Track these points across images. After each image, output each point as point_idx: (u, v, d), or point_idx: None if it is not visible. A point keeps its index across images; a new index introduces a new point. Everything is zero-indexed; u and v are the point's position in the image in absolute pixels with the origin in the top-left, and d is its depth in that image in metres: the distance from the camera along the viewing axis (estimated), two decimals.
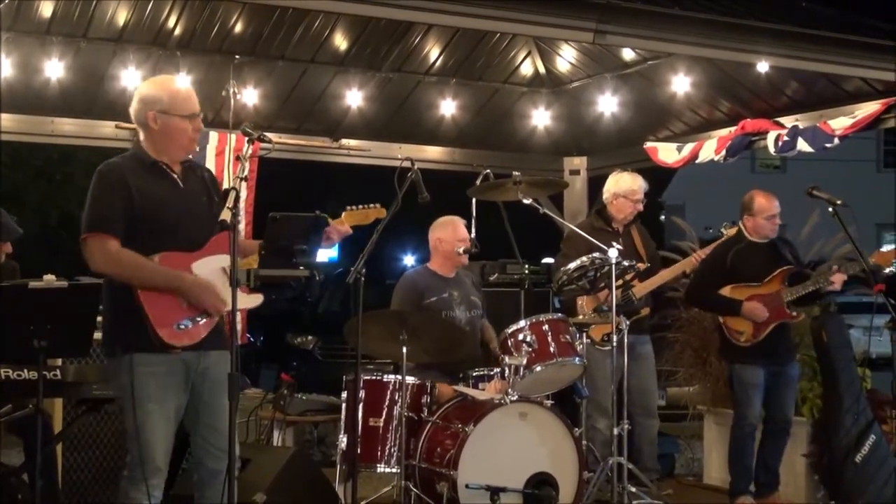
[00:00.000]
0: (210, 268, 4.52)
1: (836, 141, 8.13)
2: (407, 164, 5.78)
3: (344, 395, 6.13)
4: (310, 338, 11.04)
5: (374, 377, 6.07)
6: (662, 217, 27.58)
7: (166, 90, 4.63)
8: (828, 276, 7.00)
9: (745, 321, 7.06)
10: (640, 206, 7.42)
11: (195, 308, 4.46)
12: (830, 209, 6.04)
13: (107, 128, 8.95)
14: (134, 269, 4.41)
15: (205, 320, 4.49)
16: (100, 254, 4.42)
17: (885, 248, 6.78)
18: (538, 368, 6.10)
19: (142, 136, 4.65)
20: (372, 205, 5.28)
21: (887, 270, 6.91)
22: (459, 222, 6.82)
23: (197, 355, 4.50)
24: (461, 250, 6.70)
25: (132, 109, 4.67)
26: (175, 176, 4.63)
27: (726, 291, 7.13)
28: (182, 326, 4.39)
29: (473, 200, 7.29)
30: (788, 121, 8.61)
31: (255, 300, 4.66)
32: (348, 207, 5.17)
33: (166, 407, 4.42)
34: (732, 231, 7.28)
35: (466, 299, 6.76)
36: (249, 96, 8.86)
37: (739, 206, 7.26)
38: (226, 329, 4.59)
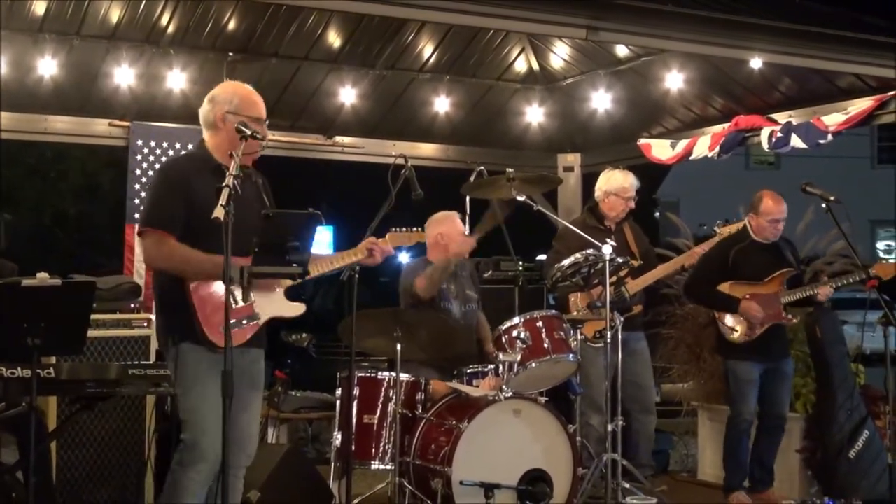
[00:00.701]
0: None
1: (830, 137, 8.16)
2: (401, 161, 5.79)
3: (338, 392, 6.14)
4: (304, 335, 11.06)
5: (368, 374, 6.08)
6: (657, 214, 27.58)
7: (237, 93, 4.79)
8: (815, 286, 7.07)
9: (740, 319, 7.09)
10: (632, 204, 7.43)
11: (245, 309, 4.59)
12: (824, 205, 6.07)
13: (100, 125, 8.96)
14: (186, 262, 4.55)
15: (252, 323, 4.63)
16: (156, 250, 4.59)
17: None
18: (532, 365, 6.12)
19: (207, 137, 4.79)
20: (415, 228, 5.49)
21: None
22: (457, 217, 6.87)
23: (240, 351, 4.59)
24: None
25: (202, 110, 4.81)
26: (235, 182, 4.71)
27: (725, 288, 7.15)
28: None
29: (468, 197, 7.30)
30: (782, 117, 8.63)
31: (297, 309, 4.80)
32: (393, 229, 5.38)
33: (215, 395, 4.38)
34: (725, 230, 7.30)
35: (462, 293, 6.78)
36: None
37: (749, 202, 7.28)
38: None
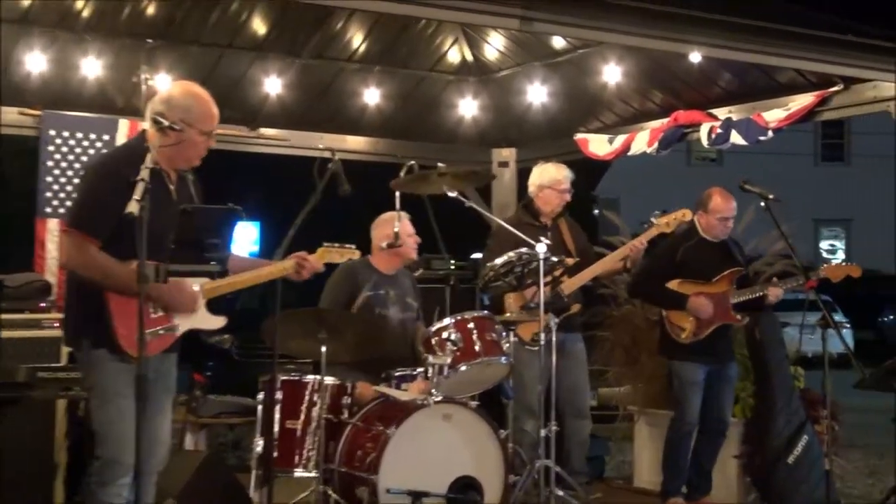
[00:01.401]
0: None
1: (770, 133, 8.27)
2: (328, 154, 5.77)
3: (260, 396, 6.10)
4: (226, 336, 10.93)
5: (291, 377, 6.05)
6: (596, 211, 27.79)
7: (198, 104, 4.79)
8: (766, 287, 7.17)
9: (687, 317, 7.17)
10: (567, 197, 7.47)
11: (162, 319, 4.57)
12: (763, 203, 6.15)
13: (10, 114, 8.82)
14: (104, 274, 4.51)
15: (169, 333, 4.64)
16: (76, 253, 4.53)
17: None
18: (463, 368, 6.12)
19: (150, 135, 4.71)
20: (349, 245, 5.57)
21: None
22: (406, 217, 6.89)
23: (159, 358, 4.60)
24: (384, 245, 6.71)
25: (153, 106, 4.75)
26: (171, 186, 4.75)
27: (673, 286, 7.25)
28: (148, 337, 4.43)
29: (397, 193, 7.29)
30: (722, 112, 8.74)
31: (218, 322, 4.84)
32: (325, 244, 5.42)
33: (133, 410, 4.39)
34: (662, 220, 7.34)
35: (401, 300, 6.79)
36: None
37: (696, 199, 7.37)
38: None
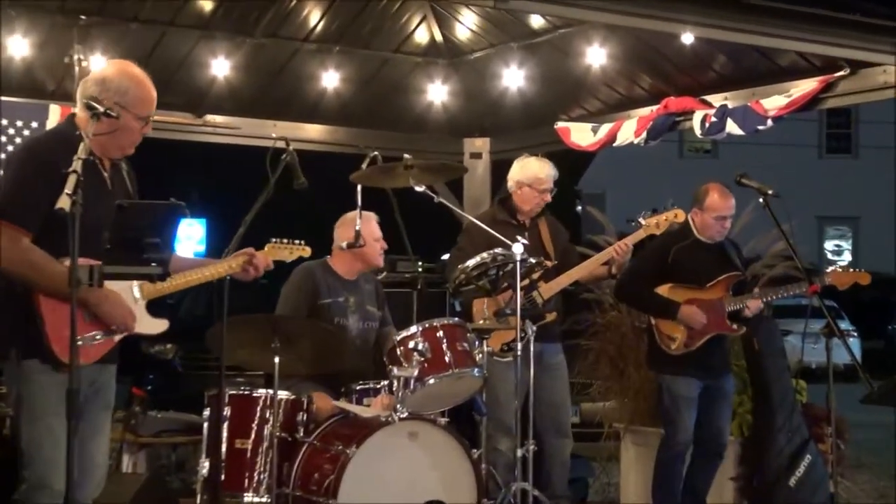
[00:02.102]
0: (120, 286, 4.66)
1: (770, 123, 8.31)
2: (281, 144, 5.76)
3: (206, 412, 6.09)
4: (169, 346, 10.94)
5: (241, 391, 6.04)
6: (579, 208, 27.87)
7: (135, 87, 4.79)
8: (747, 299, 7.20)
9: (679, 326, 7.19)
10: (548, 197, 7.48)
11: (98, 324, 4.55)
12: (761, 199, 6.17)
13: None
14: (40, 272, 4.49)
15: (105, 339, 4.61)
16: (9, 245, 4.49)
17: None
18: (431, 381, 6.12)
19: (81, 120, 4.70)
20: (298, 242, 5.56)
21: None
22: (374, 218, 6.89)
23: (96, 368, 4.60)
24: (344, 245, 6.70)
25: (86, 89, 4.74)
26: (105, 175, 4.74)
27: (664, 291, 7.27)
28: (79, 343, 4.39)
29: (359, 187, 7.28)
30: (716, 99, 8.78)
31: (160, 326, 4.82)
32: (273, 240, 5.42)
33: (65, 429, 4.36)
34: (652, 221, 7.37)
35: (361, 308, 6.79)
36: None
37: (693, 195, 7.40)
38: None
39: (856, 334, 22.21)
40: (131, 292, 4.77)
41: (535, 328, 6.65)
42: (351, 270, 6.85)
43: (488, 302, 7.05)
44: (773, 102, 8.30)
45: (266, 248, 5.39)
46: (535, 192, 7.46)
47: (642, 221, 7.37)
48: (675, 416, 7.27)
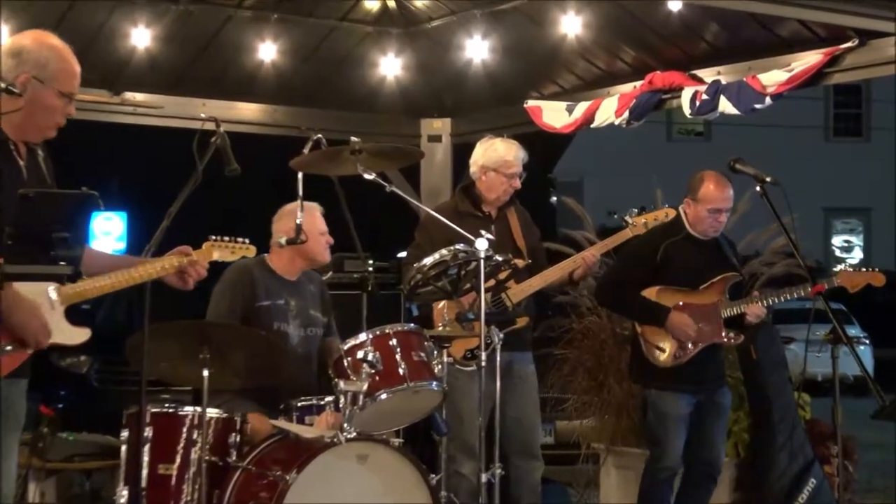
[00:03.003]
0: (35, 289, 4.62)
1: (769, 101, 8.34)
2: (211, 125, 5.74)
3: (125, 433, 6.07)
4: (83, 358, 10.87)
5: (164, 409, 6.02)
6: (553, 199, 27.94)
7: (57, 59, 4.79)
8: (746, 303, 7.22)
9: (668, 335, 7.21)
10: (517, 183, 7.50)
11: (7, 332, 4.53)
12: (758, 188, 6.19)
13: None
14: None
15: (16, 351, 4.59)
16: None
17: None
18: (383, 396, 6.12)
19: None
20: (242, 240, 5.56)
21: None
22: (319, 210, 6.88)
23: (7, 383, 4.58)
24: (283, 241, 6.68)
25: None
26: (21, 162, 4.71)
27: (651, 294, 7.27)
28: None
29: (300, 175, 7.27)
30: (708, 74, 8.81)
31: (80, 335, 4.80)
32: (212, 238, 5.40)
33: None
34: (640, 221, 7.40)
35: (304, 313, 6.78)
36: None
37: (686, 184, 7.41)
38: None
39: (867, 341, 22.37)
40: (47, 296, 4.72)
41: (502, 335, 6.65)
42: (292, 269, 6.84)
43: (449, 305, 7.07)
44: (773, 78, 8.33)
45: (204, 248, 5.36)
46: (502, 178, 7.46)
47: (629, 221, 7.41)
48: (662, 435, 7.29)
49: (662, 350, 7.23)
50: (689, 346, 7.18)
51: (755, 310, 7.23)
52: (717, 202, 7.28)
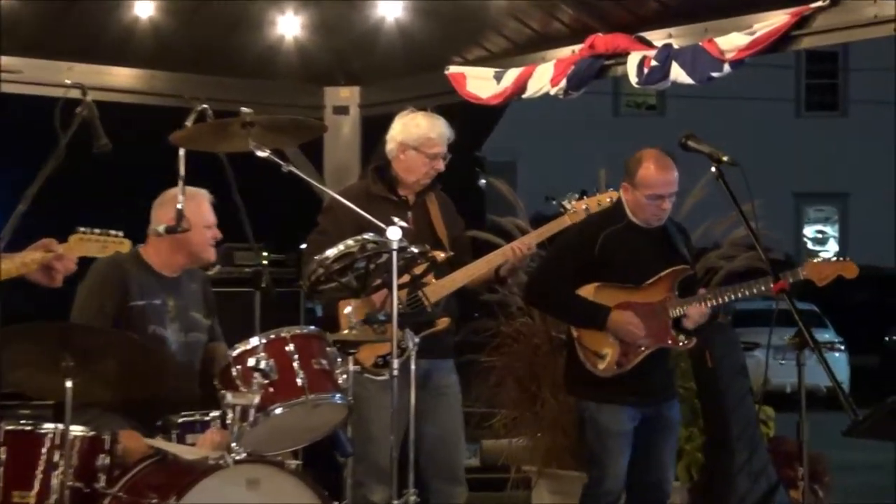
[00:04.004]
0: None
1: (728, 68, 8.39)
2: (77, 93, 5.72)
3: None
4: None
5: (20, 427, 5.98)
6: (481, 182, 28.03)
7: None
8: (690, 302, 7.24)
9: (609, 339, 7.23)
10: (440, 165, 7.51)
11: None
12: (713, 169, 6.23)
13: None
14: None
15: None
16: None
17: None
18: (278, 411, 6.12)
19: None
20: (115, 233, 5.61)
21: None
22: (207, 197, 6.86)
23: None
24: (161, 229, 6.65)
25: None
26: None
27: (588, 292, 7.26)
28: None
29: (181, 152, 7.25)
30: (658, 37, 8.85)
31: None
32: (80, 230, 5.41)
33: None
34: (580, 206, 7.41)
35: (185, 314, 6.77)
36: None
37: (624, 167, 7.40)
38: None
39: (842, 347, 22.62)
40: None
41: (417, 339, 6.67)
42: (171, 264, 6.81)
43: (357, 305, 7.07)
44: (732, 41, 8.38)
45: (70, 241, 5.33)
46: (423, 158, 7.48)
47: (567, 207, 7.41)
48: (602, 455, 7.31)
49: (602, 357, 7.22)
50: (634, 350, 7.20)
51: (695, 311, 7.20)
52: (658, 187, 7.24)
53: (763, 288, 7.00)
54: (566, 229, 7.45)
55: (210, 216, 6.88)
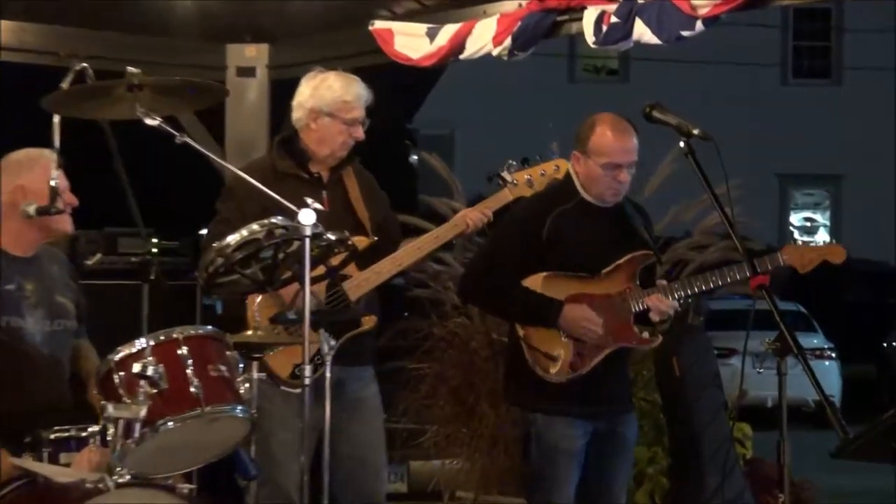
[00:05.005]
0: None
1: (700, 27, 8.43)
2: None
3: None
4: None
5: None
6: (413, 157, 28.10)
7: None
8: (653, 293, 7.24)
9: (560, 338, 7.24)
10: (359, 132, 7.49)
11: None
12: (682, 144, 6.24)
13: None
14: None
15: None
16: None
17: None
18: (168, 425, 6.10)
19: None
20: None
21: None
22: (52, 158, 6.82)
23: None
24: (31, 210, 6.64)
25: None
26: None
27: (535, 284, 7.22)
28: None
29: (56, 118, 7.23)
30: None
31: None
32: None
33: None
34: (522, 177, 7.40)
35: (48, 300, 6.73)
36: None
37: (574, 134, 7.37)
38: None
39: (833, 354, 22.74)
40: None
41: (334, 343, 6.67)
42: (22, 241, 6.74)
43: (264, 301, 7.07)
44: None
45: None
46: (338, 126, 7.45)
47: (507, 178, 7.38)
48: (549, 477, 7.31)
49: (554, 359, 7.18)
50: (592, 351, 7.19)
51: (659, 303, 7.20)
52: (614, 155, 7.19)
53: (738, 276, 7.00)
54: (509, 212, 7.44)
55: (61, 179, 6.82)
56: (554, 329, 7.20)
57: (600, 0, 8.88)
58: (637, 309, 7.26)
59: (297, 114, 7.55)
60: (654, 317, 7.24)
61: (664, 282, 7.37)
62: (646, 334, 7.31)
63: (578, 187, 7.30)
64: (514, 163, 7.46)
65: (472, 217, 7.38)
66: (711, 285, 7.22)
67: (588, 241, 7.28)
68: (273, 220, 6.45)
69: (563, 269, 7.27)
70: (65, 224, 6.85)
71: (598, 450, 7.34)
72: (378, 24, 9.87)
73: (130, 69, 6.44)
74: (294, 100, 7.58)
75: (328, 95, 7.48)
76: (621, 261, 7.27)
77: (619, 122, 7.25)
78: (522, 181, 7.40)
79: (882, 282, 27.14)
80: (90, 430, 6.29)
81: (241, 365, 6.48)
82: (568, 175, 7.36)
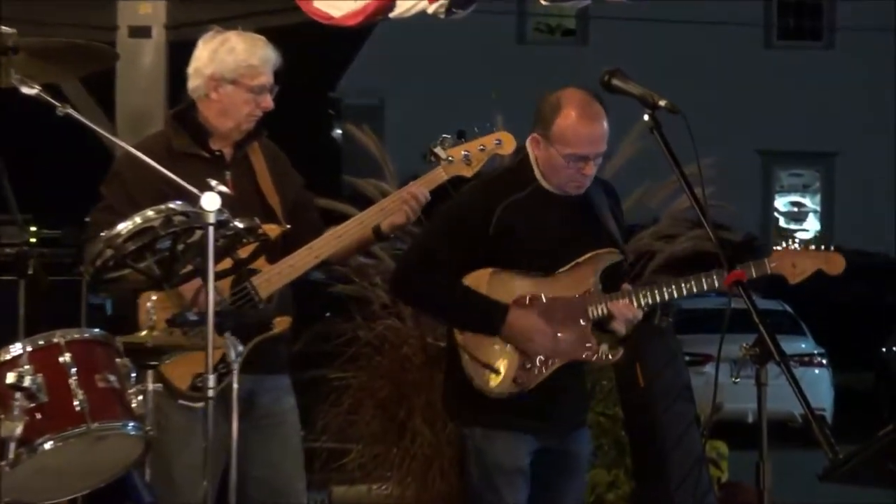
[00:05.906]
0: None
1: None
2: None
3: None
4: None
5: None
6: (336, 132, 28.14)
7: None
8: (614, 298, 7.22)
9: (506, 347, 7.25)
10: (268, 102, 7.48)
11: None
12: (646, 117, 6.26)
13: None
14: None
15: None
16: None
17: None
18: (47, 445, 6.12)
19: None
20: None
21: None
22: None
23: None
24: None
25: None
26: None
27: (479, 282, 7.22)
28: None
29: None
30: None
31: None
32: None
33: None
34: (457, 153, 7.39)
35: None
36: None
37: (535, 113, 7.30)
38: None
39: (824, 361, 22.85)
40: None
41: (242, 349, 6.68)
42: None
43: (159, 299, 7.07)
44: None
45: None
46: (243, 94, 7.43)
47: (441, 154, 7.36)
48: (490, 500, 7.35)
49: (496, 371, 7.18)
50: (539, 364, 7.18)
51: (623, 309, 7.17)
52: (581, 145, 7.12)
53: (715, 283, 6.98)
54: (451, 197, 7.43)
55: None
56: (497, 336, 7.20)
57: None
58: (596, 315, 7.21)
59: (195, 82, 7.51)
60: (618, 326, 7.20)
61: (629, 286, 7.32)
62: (605, 348, 7.26)
63: (536, 173, 7.27)
64: (449, 137, 7.41)
65: (403, 199, 7.34)
66: (685, 293, 7.18)
67: (544, 235, 7.24)
68: (171, 205, 6.44)
69: (511, 267, 7.24)
70: None
71: (546, 470, 7.34)
72: None
73: (4, 29, 6.44)
74: (190, 66, 7.54)
75: (230, 59, 7.44)
76: (581, 259, 7.23)
77: (590, 104, 7.16)
78: (459, 157, 7.34)
79: (879, 277, 27.23)
80: None
81: (134, 374, 6.49)
82: (524, 157, 7.33)
